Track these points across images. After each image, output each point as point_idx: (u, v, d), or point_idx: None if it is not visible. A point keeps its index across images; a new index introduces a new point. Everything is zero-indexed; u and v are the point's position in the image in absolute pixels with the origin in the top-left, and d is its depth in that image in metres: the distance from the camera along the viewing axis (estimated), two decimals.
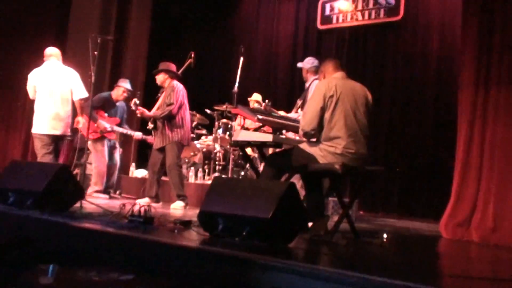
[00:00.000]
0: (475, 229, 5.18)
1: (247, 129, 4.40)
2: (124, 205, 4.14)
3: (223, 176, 7.19)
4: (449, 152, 6.05)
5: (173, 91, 6.72)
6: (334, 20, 9.88)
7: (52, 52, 6.62)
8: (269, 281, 2.74)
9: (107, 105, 7.57)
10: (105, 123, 7.37)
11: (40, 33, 8.92)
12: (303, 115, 4.18)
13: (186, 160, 7.51)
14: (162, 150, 6.71)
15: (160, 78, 6.90)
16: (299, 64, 6.23)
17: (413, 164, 8.66)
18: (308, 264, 2.78)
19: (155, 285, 2.89)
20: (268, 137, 4.09)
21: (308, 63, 6.17)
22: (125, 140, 9.52)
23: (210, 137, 8.08)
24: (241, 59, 6.94)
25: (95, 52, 5.18)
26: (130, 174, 8.38)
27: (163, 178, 6.92)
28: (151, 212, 4.03)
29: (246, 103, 8.39)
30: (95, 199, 6.47)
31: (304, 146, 4.17)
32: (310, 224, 4.14)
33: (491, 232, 5.07)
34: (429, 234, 5.78)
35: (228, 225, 3.55)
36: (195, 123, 8.16)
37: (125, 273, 2.96)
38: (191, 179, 7.54)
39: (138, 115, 6.93)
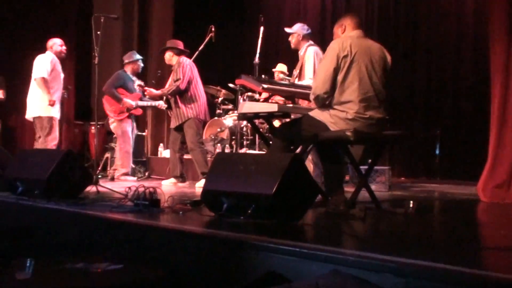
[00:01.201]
0: None
1: (258, 100, 4.09)
2: (129, 188, 3.93)
3: (226, 151, 6.98)
4: (489, 112, 5.59)
5: (179, 66, 6.51)
6: None
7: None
8: (268, 264, 2.47)
9: (128, 82, 7.43)
10: (129, 100, 7.23)
11: (62, 19, 8.86)
12: (315, 78, 3.84)
13: (213, 137, 7.28)
14: (179, 128, 6.52)
15: (167, 56, 6.71)
16: (290, 30, 5.78)
17: (454, 126, 8.19)
18: (308, 244, 2.47)
19: (146, 274, 2.65)
20: (274, 107, 3.77)
21: (302, 28, 5.75)
22: (156, 120, 9.44)
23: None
24: (261, 28, 6.57)
25: (98, 32, 4.94)
26: (159, 155, 8.22)
27: (187, 156, 6.72)
28: (157, 194, 3.80)
29: (271, 75, 8.07)
30: (123, 182, 6.36)
31: (314, 113, 3.83)
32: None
33: None
34: (466, 198, 5.36)
35: (232, 204, 3.29)
36: (221, 98, 7.90)
37: (116, 262, 2.74)
38: None
39: (146, 95, 6.75)
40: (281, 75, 7.90)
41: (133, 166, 7.75)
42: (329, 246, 2.47)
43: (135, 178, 7.18)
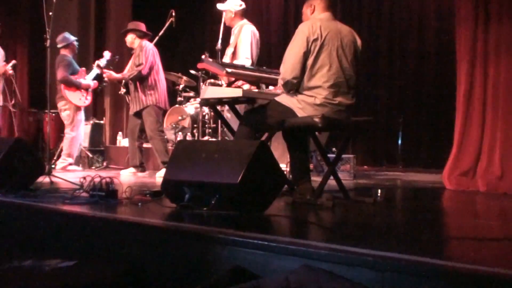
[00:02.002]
0: (481, 178, 4.73)
1: (219, 85, 3.89)
2: (84, 178, 3.68)
3: (188, 139, 6.81)
4: (453, 98, 5.54)
5: (142, 50, 6.27)
6: None
7: None
8: (234, 258, 2.29)
9: (74, 64, 7.23)
10: (85, 81, 7.06)
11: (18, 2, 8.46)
12: (283, 62, 3.64)
13: (174, 125, 7.04)
14: (138, 115, 6.29)
15: (128, 39, 6.46)
16: (222, 6, 5.61)
17: (417, 113, 8.18)
18: (276, 237, 2.31)
19: (103, 270, 2.45)
20: (238, 92, 3.57)
21: (235, 4, 5.60)
22: (115, 108, 9.13)
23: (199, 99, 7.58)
24: (224, 13, 6.36)
25: (50, 13, 4.64)
26: (118, 144, 7.94)
27: (147, 145, 6.49)
28: (114, 185, 3.58)
29: None
30: (66, 173, 6.08)
31: (280, 98, 3.66)
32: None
33: (498, 180, 4.64)
34: (431, 186, 5.31)
35: (195, 194, 3.10)
36: (182, 85, 7.65)
37: (70, 258, 2.52)
38: None
39: (105, 78, 6.48)
40: None
41: (90, 155, 7.47)
42: (298, 238, 2.32)
43: (80, 168, 6.91)
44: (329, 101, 3.52)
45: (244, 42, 5.31)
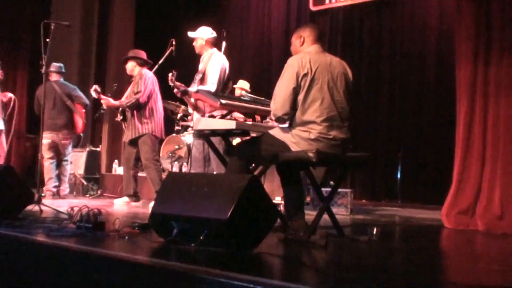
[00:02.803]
0: (480, 217, 4.60)
1: (213, 116, 3.81)
2: (72, 208, 3.56)
3: (184, 170, 6.72)
4: (452, 134, 5.44)
5: (141, 78, 6.22)
6: (327, 0, 9.23)
7: None
8: None
9: None
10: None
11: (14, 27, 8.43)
12: (274, 98, 3.56)
13: (170, 154, 6.94)
14: (134, 143, 6.19)
15: (129, 66, 6.41)
16: (193, 33, 5.66)
17: (416, 148, 8.07)
18: (266, 280, 2.18)
19: None
20: (231, 124, 3.47)
21: (207, 32, 5.64)
22: (112, 135, 9.03)
23: None
24: (224, 44, 6.31)
25: (47, 40, 4.57)
26: (113, 172, 7.82)
27: (142, 174, 6.37)
28: (101, 216, 3.45)
29: (232, 91, 7.80)
30: (57, 201, 5.97)
31: (274, 132, 3.56)
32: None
33: (498, 220, 4.52)
34: (430, 224, 5.17)
35: (183, 229, 2.98)
36: (180, 114, 7.58)
37: None
38: None
39: (103, 105, 6.37)
40: (243, 92, 7.66)
41: (85, 183, 7.36)
42: (289, 282, 2.19)
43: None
44: (324, 136, 3.42)
45: (212, 68, 5.36)
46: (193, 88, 5.32)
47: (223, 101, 3.64)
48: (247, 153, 3.62)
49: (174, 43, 7.01)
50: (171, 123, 7.54)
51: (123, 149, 6.39)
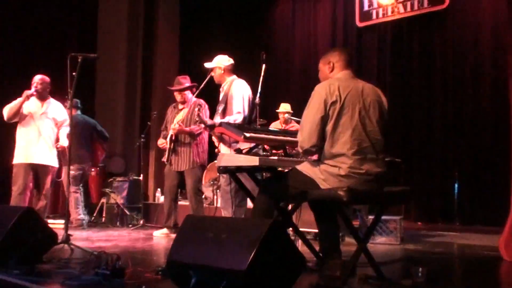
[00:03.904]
0: None
1: (240, 150, 3.53)
2: (93, 254, 3.37)
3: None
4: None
5: (202, 107, 5.99)
6: (374, 16, 8.88)
7: None
8: None
9: None
10: None
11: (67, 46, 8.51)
12: (300, 129, 3.25)
13: (212, 182, 6.72)
14: (180, 173, 5.99)
15: (182, 95, 6.19)
16: (210, 64, 5.35)
17: (473, 166, 7.53)
18: None
19: None
20: (254, 161, 3.18)
21: (224, 60, 5.33)
22: (158, 163, 8.92)
23: None
24: (263, 66, 6.04)
25: (74, 73, 4.45)
26: (156, 201, 7.66)
27: (183, 202, 6.19)
28: (120, 261, 3.23)
29: (276, 116, 7.55)
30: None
31: (302, 167, 3.23)
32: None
33: None
34: (487, 255, 4.69)
35: (202, 279, 2.72)
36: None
37: None
38: (216, 203, 6.72)
39: (175, 130, 6.08)
40: (286, 115, 7.39)
41: (128, 213, 7.24)
42: None
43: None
44: (355, 171, 3.06)
45: (236, 96, 5.03)
46: (216, 119, 5.07)
47: (248, 135, 3.36)
48: (274, 190, 3.32)
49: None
50: (212, 149, 7.32)
51: (166, 178, 6.18)
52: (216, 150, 7.29)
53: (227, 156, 3.45)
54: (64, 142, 5.94)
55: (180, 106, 6.29)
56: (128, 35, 9.74)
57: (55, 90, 6.09)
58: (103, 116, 9.79)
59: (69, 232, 4.41)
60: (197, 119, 5.09)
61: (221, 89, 5.34)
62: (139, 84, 9.75)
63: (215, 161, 7.26)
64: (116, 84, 9.70)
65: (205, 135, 6.17)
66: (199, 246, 2.78)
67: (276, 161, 3.31)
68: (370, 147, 3.14)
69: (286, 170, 3.50)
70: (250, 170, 3.48)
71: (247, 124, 4.85)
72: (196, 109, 5.19)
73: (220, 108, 5.11)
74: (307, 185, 3.14)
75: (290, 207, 3.99)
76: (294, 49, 10.00)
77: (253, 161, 3.19)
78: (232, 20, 10.26)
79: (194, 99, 6.21)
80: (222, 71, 5.31)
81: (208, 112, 6.10)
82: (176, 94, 6.30)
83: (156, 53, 9.83)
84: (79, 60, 4.52)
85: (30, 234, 3.63)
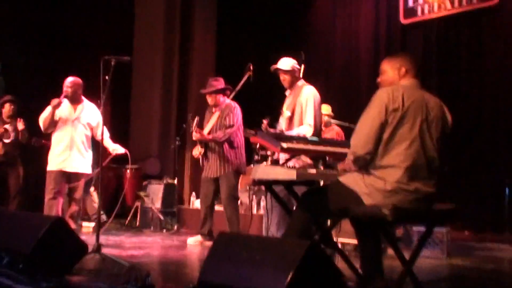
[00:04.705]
0: None
1: (277, 161, 3.38)
2: (123, 267, 3.29)
3: (262, 204, 6.35)
4: None
5: (232, 111, 5.91)
6: (419, 12, 8.56)
7: None
8: None
9: None
10: None
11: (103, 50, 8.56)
12: (355, 133, 3.05)
13: (248, 188, 6.59)
14: (216, 179, 5.88)
15: (213, 98, 6.08)
16: (283, 66, 4.92)
17: None
18: None
19: None
20: (292, 174, 3.03)
21: (294, 63, 4.95)
22: (194, 166, 8.86)
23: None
24: (302, 66, 5.90)
25: (106, 77, 4.39)
26: (190, 206, 7.57)
27: (218, 207, 6.09)
28: (151, 278, 3.14)
29: None
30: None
31: (345, 179, 3.04)
32: None
33: None
34: None
35: None
36: (258, 144, 7.21)
37: None
38: (253, 210, 6.58)
39: (196, 137, 6.03)
40: (326, 118, 7.19)
41: (162, 218, 7.18)
42: None
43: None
44: (403, 187, 2.86)
45: (308, 106, 4.69)
46: (281, 123, 4.79)
47: (285, 145, 3.20)
48: (312, 205, 3.15)
49: (251, 68, 6.72)
50: (249, 153, 7.20)
51: (202, 184, 6.10)
52: (255, 156, 7.21)
53: (262, 168, 3.31)
54: (119, 149, 5.87)
55: (214, 110, 6.19)
56: (164, 36, 9.75)
57: (90, 95, 6.01)
58: (138, 118, 9.82)
59: (101, 236, 4.37)
60: (265, 131, 4.62)
61: (287, 93, 5.00)
62: (175, 86, 9.74)
63: (252, 165, 7.17)
64: (152, 86, 9.72)
65: (241, 138, 6.03)
66: (232, 267, 2.66)
67: (314, 175, 3.15)
68: (425, 165, 2.94)
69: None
70: (287, 184, 3.34)
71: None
72: (264, 121, 4.81)
73: (286, 115, 4.80)
74: (349, 199, 2.95)
75: (329, 222, 3.82)
76: (334, 48, 9.76)
77: (290, 174, 3.03)
78: (270, 19, 10.10)
79: (227, 101, 6.08)
80: (293, 74, 4.95)
81: (239, 116, 5.98)
82: (207, 97, 6.19)
83: (192, 54, 9.77)
84: (113, 63, 4.45)
85: (60, 244, 3.58)
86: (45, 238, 3.53)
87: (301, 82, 4.95)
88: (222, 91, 6.15)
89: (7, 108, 7.01)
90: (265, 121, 4.71)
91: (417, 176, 2.92)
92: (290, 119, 4.73)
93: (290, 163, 3.66)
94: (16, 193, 6.86)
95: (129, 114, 9.90)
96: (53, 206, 5.59)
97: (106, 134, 5.69)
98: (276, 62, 5.14)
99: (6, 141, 6.84)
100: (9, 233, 3.79)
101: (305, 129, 4.58)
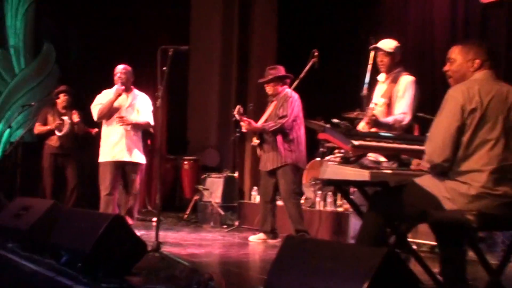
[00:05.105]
0: None
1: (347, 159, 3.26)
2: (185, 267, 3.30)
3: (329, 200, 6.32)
4: None
5: (287, 101, 5.86)
6: None
7: None
8: None
9: None
10: None
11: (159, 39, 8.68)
12: (429, 139, 2.92)
13: (313, 182, 6.51)
14: (273, 173, 5.84)
15: (271, 87, 6.03)
16: (384, 46, 4.63)
17: None
18: None
19: None
20: (365, 175, 2.92)
21: (397, 46, 4.66)
22: (254, 159, 8.86)
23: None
24: (372, 53, 5.75)
25: (164, 68, 4.40)
26: (252, 200, 7.54)
27: (280, 202, 6.05)
28: (213, 283, 3.12)
29: None
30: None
31: (423, 182, 2.92)
32: None
33: None
34: None
35: None
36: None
37: None
38: (319, 206, 6.49)
39: (244, 128, 6.03)
40: None
41: (222, 213, 7.20)
42: None
43: None
44: (489, 191, 2.72)
45: (406, 94, 4.50)
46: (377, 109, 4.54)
47: (356, 143, 3.09)
48: (386, 207, 3.04)
49: (316, 54, 6.61)
50: (314, 145, 7.10)
51: (261, 178, 6.08)
52: (321, 149, 7.10)
53: (331, 167, 3.21)
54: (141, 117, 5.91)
55: (272, 99, 6.14)
56: (223, 23, 9.79)
57: (143, 86, 6.07)
58: (196, 108, 9.90)
59: (160, 232, 4.42)
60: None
61: (381, 78, 4.75)
62: (234, 74, 9.77)
63: (317, 159, 7.07)
64: (210, 75, 9.79)
65: (300, 131, 5.94)
66: (300, 275, 2.60)
67: (390, 175, 3.03)
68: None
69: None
70: (358, 184, 3.24)
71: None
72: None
73: (380, 100, 4.57)
74: (428, 203, 2.83)
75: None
76: (406, 33, 9.45)
77: (363, 175, 2.93)
78: (335, 2, 9.91)
79: (286, 91, 6.00)
80: (396, 60, 4.70)
81: (295, 107, 5.89)
82: (266, 86, 6.14)
83: (252, 41, 9.75)
84: (170, 53, 4.45)
85: (119, 243, 3.61)
86: (105, 236, 3.57)
87: (399, 68, 4.71)
88: (280, 80, 6.08)
89: (62, 99, 7.14)
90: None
91: (505, 179, 2.77)
92: (388, 105, 4.53)
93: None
94: (74, 188, 6.99)
95: (187, 104, 9.99)
96: (110, 203, 5.66)
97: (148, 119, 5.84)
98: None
99: (61, 133, 6.94)
100: (67, 231, 3.88)
101: (399, 117, 4.42)
